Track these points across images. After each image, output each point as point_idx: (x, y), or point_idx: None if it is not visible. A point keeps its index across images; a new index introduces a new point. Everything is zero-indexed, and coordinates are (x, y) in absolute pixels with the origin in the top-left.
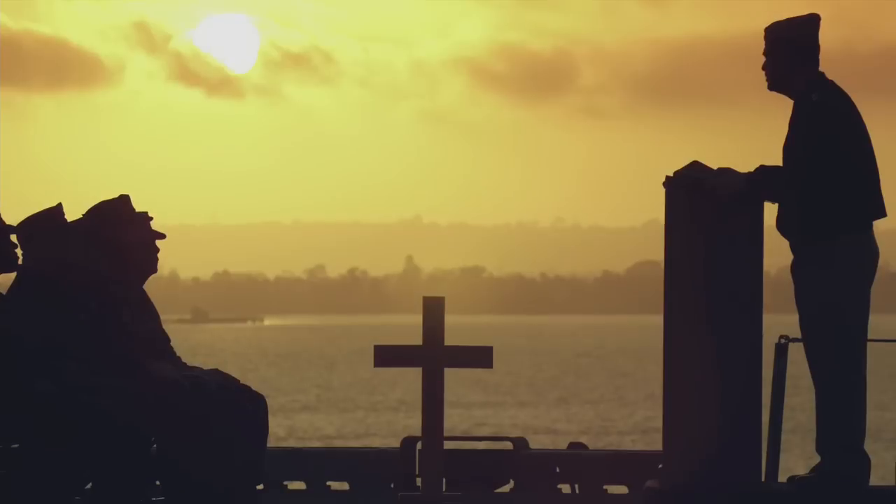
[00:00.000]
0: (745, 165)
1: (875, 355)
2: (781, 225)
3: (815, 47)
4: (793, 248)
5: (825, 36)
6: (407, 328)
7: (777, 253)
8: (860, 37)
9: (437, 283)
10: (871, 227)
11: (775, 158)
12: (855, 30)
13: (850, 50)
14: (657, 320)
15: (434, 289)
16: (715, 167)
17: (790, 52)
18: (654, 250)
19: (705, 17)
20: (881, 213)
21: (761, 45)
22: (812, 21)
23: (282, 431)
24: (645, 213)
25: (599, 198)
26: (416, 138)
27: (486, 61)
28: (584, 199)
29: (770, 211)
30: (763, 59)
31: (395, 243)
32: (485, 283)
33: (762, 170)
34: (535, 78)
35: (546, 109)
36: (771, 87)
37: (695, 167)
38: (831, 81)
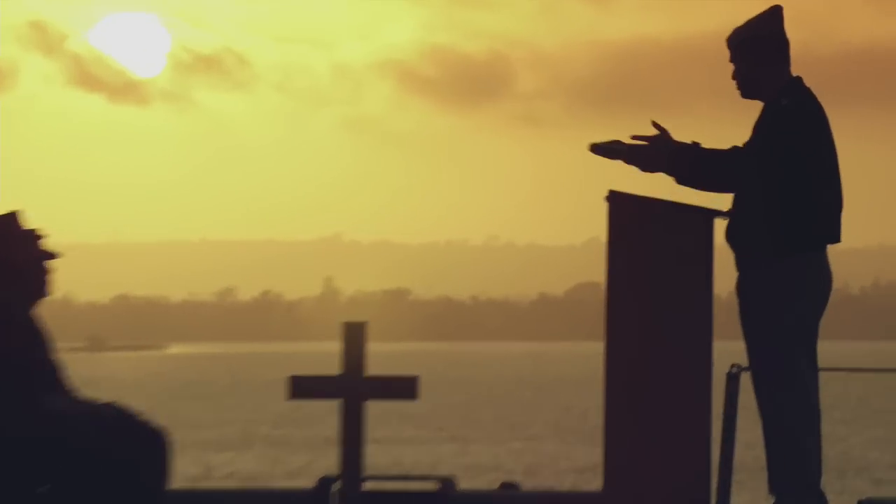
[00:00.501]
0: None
1: (835, 385)
2: (731, 237)
3: (783, 43)
4: (738, 265)
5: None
6: (325, 356)
7: (730, 274)
8: (817, 38)
9: (358, 306)
10: (825, 248)
11: None
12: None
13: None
14: (598, 347)
15: (355, 313)
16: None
17: (756, 52)
18: (595, 271)
19: (653, 17)
20: (836, 237)
21: (714, 45)
22: (774, 14)
23: (187, 470)
24: (585, 231)
25: (536, 213)
26: (338, 148)
27: (415, 65)
28: (520, 214)
29: (722, 226)
30: (731, 68)
31: (312, 263)
32: (410, 306)
33: (697, 154)
34: (469, 83)
35: (480, 117)
36: (744, 95)
37: (615, 142)
38: (807, 88)
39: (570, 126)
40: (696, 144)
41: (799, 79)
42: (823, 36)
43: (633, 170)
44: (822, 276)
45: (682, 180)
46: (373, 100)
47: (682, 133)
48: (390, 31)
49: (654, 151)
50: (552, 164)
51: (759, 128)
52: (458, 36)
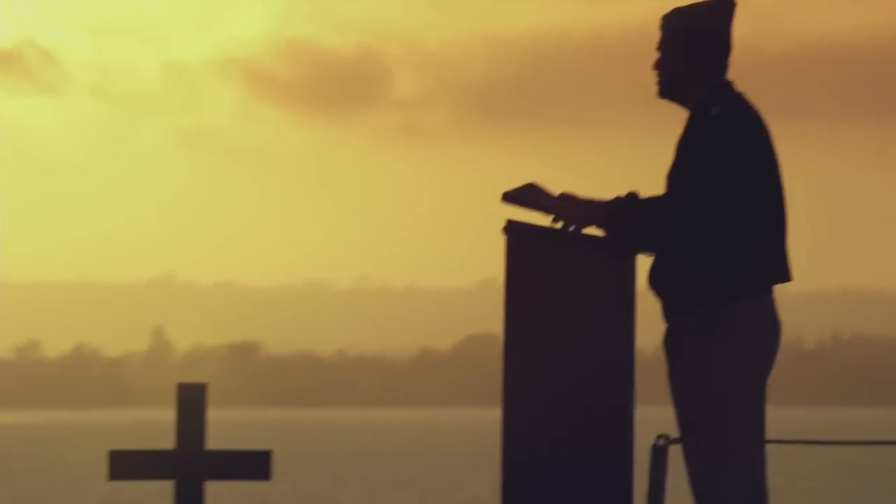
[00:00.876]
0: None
1: (786, 460)
2: (654, 282)
3: (726, 45)
4: (665, 314)
5: None
6: (155, 426)
7: (656, 325)
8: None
9: (196, 364)
10: (771, 291)
11: (656, 190)
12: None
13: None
14: (494, 414)
15: (192, 372)
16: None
17: (695, 47)
18: (490, 320)
19: (561, 6)
20: (785, 276)
21: (637, 41)
22: (724, 7)
23: None
24: (478, 271)
25: (417, 249)
26: (171, 168)
27: (266, 64)
28: (397, 251)
29: (643, 267)
30: (656, 55)
31: (138, 311)
32: (261, 364)
33: (632, 203)
34: (333, 86)
35: (347, 129)
36: (662, 94)
37: (531, 188)
38: (740, 93)
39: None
40: (633, 195)
41: (730, 83)
42: (771, 31)
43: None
44: (768, 327)
45: (633, 241)
46: (214, 107)
47: (599, 147)
48: (235, 21)
49: (587, 201)
50: (437, 188)
51: (683, 145)
52: (319, 28)
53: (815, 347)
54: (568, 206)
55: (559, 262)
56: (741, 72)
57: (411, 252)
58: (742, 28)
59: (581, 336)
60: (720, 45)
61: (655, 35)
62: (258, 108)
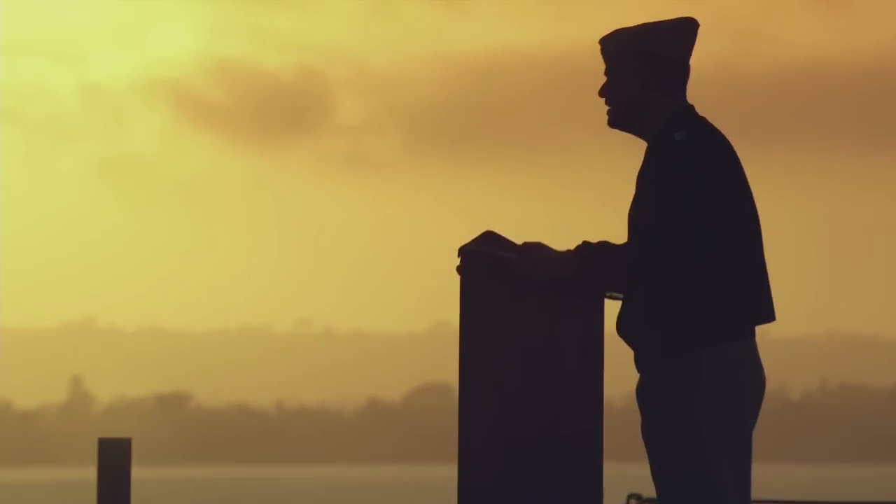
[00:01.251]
0: (577, 235)
1: None
2: (623, 329)
3: (685, 69)
4: (638, 363)
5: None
6: (73, 486)
7: (627, 375)
8: (745, 52)
9: (118, 417)
10: (752, 334)
11: (621, 230)
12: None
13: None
14: (448, 472)
15: (115, 426)
16: (520, 241)
17: (649, 72)
18: (444, 368)
19: (520, 22)
20: (768, 315)
21: (600, 60)
22: (686, 29)
23: None
24: (431, 314)
25: (363, 290)
26: (91, 200)
27: (197, 86)
28: (341, 291)
29: (612, 310)
30: (602, 80)
31: (54, 359)
32: (191, 416)
33: (592, 250)
34: (272, 111)
35: (286, 157)
36: (615, 122)
37: (489, 240)
38: (702, 118)
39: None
40: (598, 243)
41: (691, 108)
42: (750, 51)
43: (498, 225)
44: (751, 373)
45: (598, 288)
46: (139, 134)
47: (560, 174)
48: (162, 39)
49: (553, 254)
50: (387, 222)
51: (644, 178)
52: (255, 47)
53: (801, 398)
54: (533, 262)
55: (520, 303)
56: (718, 94)
57: (357, 293)
58: (720, 48)
59: (545, 386)
60: (681, 69)
61: None
62: (188, 135)
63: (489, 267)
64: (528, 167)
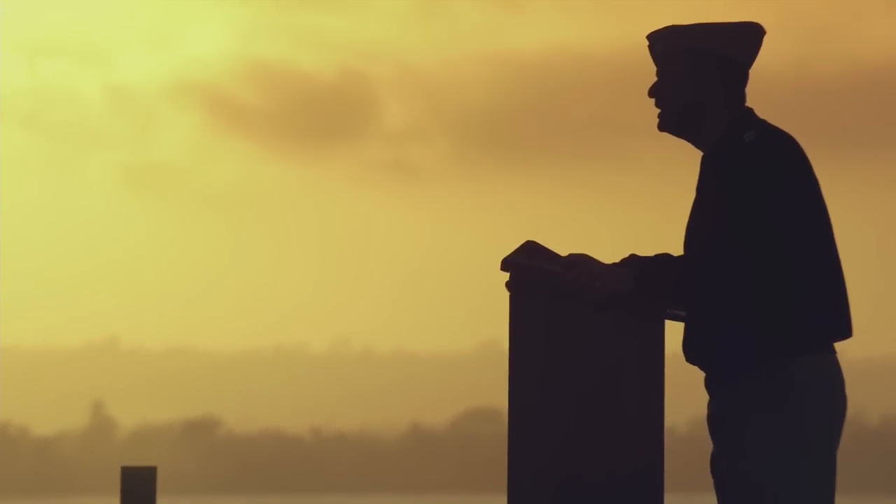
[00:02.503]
0: (636, 250)
1: None
2: (691, 350)
3: (747, 75)
4: (708, 385)
5: (760, 52)
6: None
7: (689, 399)
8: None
9: (143, 444)
10: (832, 349)
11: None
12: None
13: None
14: (499, 502)
15: (139, 454)
16: (565, 253)
17: (708, 73)
18: (493, 391)
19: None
20: (845, 330)
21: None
22: (752, 33)
23: None
24: (478, 333)
25: (407, 307)
26: (117, 210)
27: (230, 89)
28: (384, 309)
29: (675, 330)
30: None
31: (75, 382)
32: (221, 444)
33: (652, 263)
34: (310, 116)
35: (326, 166)
36: (664, 127)
37: (532, 250)
38: (763, 121)
39: (458, 177)
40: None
41: (751, 111)
42: (822, 47)
43: (554, 240)
44: (835, 388)
45: (661, 304)
46: (169, 141)
47: (621, 186)
48: (193, 39)
49: (604, 266)
50: (432, 235)
51: (708, 186)
52: (292, 47)
53: (880, 424)
54: (589, 276)
55: (574, 322)
56: (786, 98)
57: (399, 310)
58: (789, 47)
59: (601, 412)
60: (743, 74)
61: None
62: (222, 142)
63: (536, 280)
64: (583, 176)
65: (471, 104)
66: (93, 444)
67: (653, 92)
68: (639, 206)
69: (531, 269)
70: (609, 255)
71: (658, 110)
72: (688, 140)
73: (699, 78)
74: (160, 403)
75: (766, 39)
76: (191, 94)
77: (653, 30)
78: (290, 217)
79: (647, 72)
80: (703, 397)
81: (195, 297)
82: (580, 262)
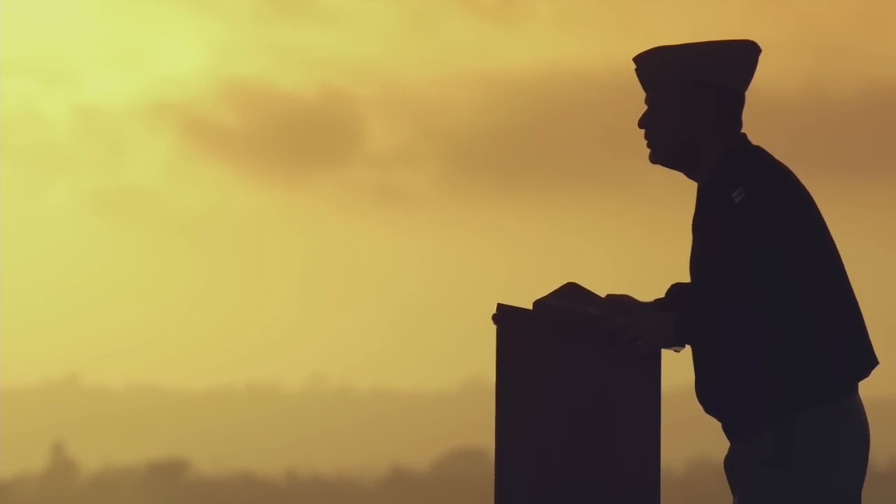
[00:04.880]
0: (641, 281)
1: None
2: (707, 398)
3: (741, 100)
4: (727, 433)
5: (772, 70)
6: None
7: (685, 438)
8: (835, 72)
9: (107, 488)
10: (856, 389)
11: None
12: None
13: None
14: None
15: (102, 498)
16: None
17: (697, 105)
18: (478, 431)
19: (573, 36)
20: (870, 362)
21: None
22: (745, 54)
23: None
24: (463, 369)
25: (388, 343)
26: (83, 238)
27: (205, 109)
28: (362, 344)
29: (672, 364)
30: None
31: (33, 421)
32: (189, 487)
33: (697, 321)
34: (291, 138)
35: (309, 190)
36: (656, 160)
37: (571, 294)
38: (757, 149)
39: (448, 202)
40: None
41: (744, 137)
42: (840, 65)
43: (553, 275)
44: (857, 435)
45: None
46: (139, 164)
47: (622, 212)
48: (166, 56)
49: (647, 309)
50: (417, 264)
51: (702, 229)
52: (272, 65)
53: (889, 467)
54: (636, 330)
55: (565, 359)
56: (801, 119)
57: (380, 345)
58: (804, 65)
59: (593, 452)
60: (737, 101)
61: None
62: (195, 166)
63: (560, 324)
64: (582, 202)
65: (462, 125)
66: (53, 488)
67: (642, 123)
68: (640, 232)
69: (567, 311)
70: (612, 285)
71: (647, 141)
72: (680, 171)
73: (692, 111)
74: (125, 444)
75: (780, 57)
76: (163, 115)
77: (641, 51)
78: (268, 245)
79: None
80: (701, 437)
81: (163, 332)
82: (620, 304)
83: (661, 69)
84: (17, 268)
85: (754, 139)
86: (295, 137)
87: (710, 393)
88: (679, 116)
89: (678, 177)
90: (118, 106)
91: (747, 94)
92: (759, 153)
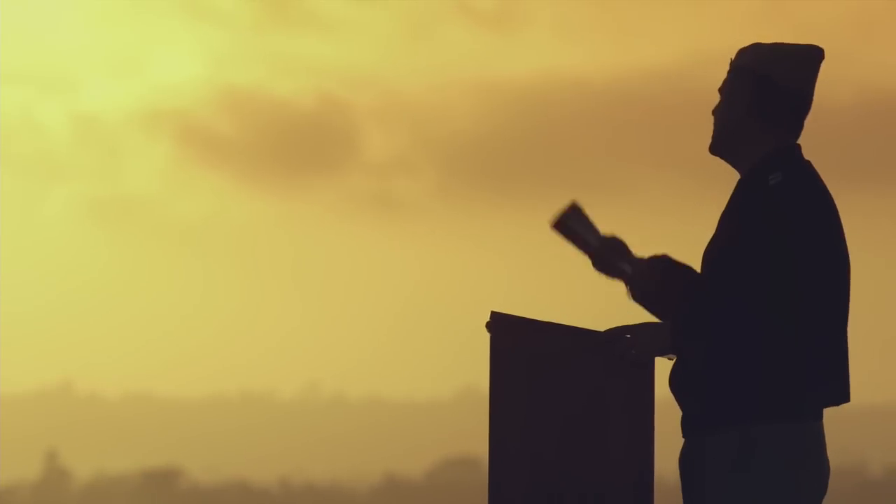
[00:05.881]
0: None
1: None
2: (677, 384)
3: (802, 103)
4: (684, 427)
5: None
6: None
7: (682, 443)
8: (831, 80)
9: (100, 496)
10: (819, 416)
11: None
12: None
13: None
14: None
15: None
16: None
17: (758, 95)
18: (472, 439)
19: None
20: (842, 395)
21: (666, 87)
22: (808, 56)
23: None
24: (457, 377)
25: (381, 350)
26: (80, 246)
27: (202, 117)
28: (356, 352)
29: (665, 371)
30: (715, 99)
31: (26, 429)
32: (183, 495)
33: (694, 322)
34: (288, 146)
35: (306, 198)
36: (714, 149)
37: (578, 218)
38: (807, 162)
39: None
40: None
41: (796, 147)
42: (836, 78)
43: (551, 281)
44: (811, 462)
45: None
46: (136, 172)
47: (620, 220)
48: (163, 64)
49: (633, 259)
50: (414, 272)
51: (728, 218)
52: (268, 73)
53: (882, 475)
54: (633, 340)
55: (559, 366)
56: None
57: (374, 353)
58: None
59: (587, 460)
60: (796, 101)
61: (690, 81)
62: (192, 174)
63: (562, 333)
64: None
65: (459, 133)
66: (46, 497)
67: (714, 111)
68: (639, 242)
69: (575, 233)
70: (604, 293)
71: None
72: (729, 163)
73: (744, 100)
74: (118, 452)
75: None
76: (160, 123)
77: (673, 55)
78: (264, 253)
79: (653, 100)
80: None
81: (156, 340)
82: (613, 245)
83: (741, 57)
84: (13, 275)
85: None
86: (292, 145)
87: (686, 381)
88: (735, 103)
89: (674, 185)
90: (116, 114)
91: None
92: (807, 163)
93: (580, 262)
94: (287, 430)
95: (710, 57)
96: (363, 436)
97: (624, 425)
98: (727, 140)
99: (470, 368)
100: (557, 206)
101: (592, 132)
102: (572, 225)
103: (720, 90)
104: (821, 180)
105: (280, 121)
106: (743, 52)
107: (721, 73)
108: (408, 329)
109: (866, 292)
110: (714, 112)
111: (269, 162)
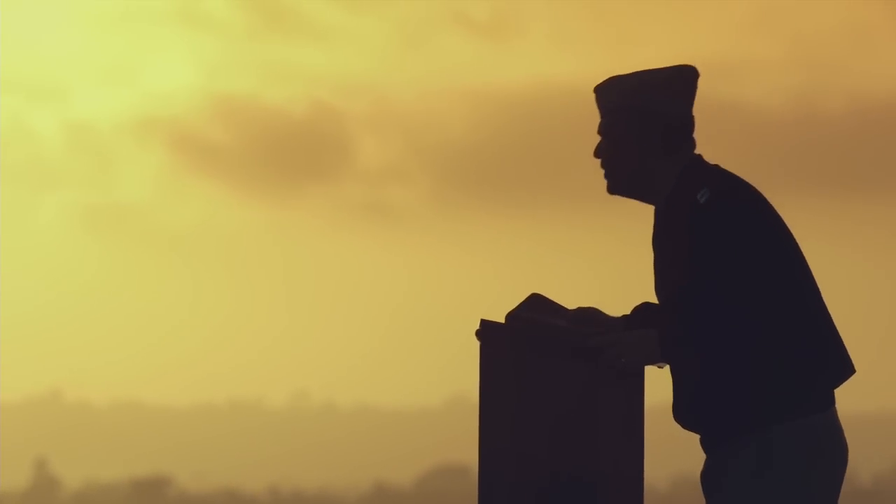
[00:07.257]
0: (632, 298)
1: None
2: (684, 412)
3: (688, 120)
4: (704, 446)
5: (764, 86)
6: None
7: (670, 456)
8: (822, 87)
9: None
10: (833, 402)
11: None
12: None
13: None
14: None
15: None
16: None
17: (644, 133)
18: (462, 447)
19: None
20: (845, 369)
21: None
22: (682, 79)
23: None
24: (447, 386)
25: (371, 359)
26: (71, 254)
27: (195, 125)
28: (345, 360)
29: (655, 381)
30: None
31: (16, 437)
32: (173, 503)
33: (679, 335)
34: (280, 154)
35: (298, 206)
36: (616, 192)
37: (537, 304)
38: (714, 166)
39: (438, 219)
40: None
41: (700, 158)
42: (827, 86)
43: (544, 285)
44: (834, 447)
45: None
46: (128, 180)
47: (614, 226)
48: (155, 72)
49: (629, 337)
50: (407, 280)
51: (667, 243)
52: (261, 80)
53: (872, 484)
54: (620, 349)
55: (549, 376)
56: (789, 136)
57: (363, 363)
58: (792, 82)
59: (577, 469)
60: (682, 122)
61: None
62: (185, 182)
63: (542, 339)
64: (574, 219)
65: (453, 142)
66: None
67: (597, 153)
68: (633, 250)
69: (537, 326)
70: (600, 302)
71: (604, 172)
72: (635, 199)
73: (640, 137)
74: (107, 461)
75: (771, 74)
76: (152, 131)
77: (664, 61)
78: (256, 261)
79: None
80: (685, 453)
81: (146, 348)
82: (587, 316)
83: (612, 96)
84: (2, 283)
85: (745, 154)
86: (284, 153)
87: (689, 406)
88: (628, 144)
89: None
90: (108, 122)
91: (739, 110)
92: (718, 167)
93: (573, 271)
94: (276, 437)
95: (704, 66)
96: (353, 444)
97: (615, 433)
98: (632, 182)
99: (460, 376)
100: (552, 214)
101: (585, 141)
102: (527, 316)
103: (599, 132)
104: (736, 176)
105: (273, 129)
106: (607, 91)
107: (713, 83)
108: (398, 337)
109: (858, 299)
110: (599, 154)
111: (262, 170)
